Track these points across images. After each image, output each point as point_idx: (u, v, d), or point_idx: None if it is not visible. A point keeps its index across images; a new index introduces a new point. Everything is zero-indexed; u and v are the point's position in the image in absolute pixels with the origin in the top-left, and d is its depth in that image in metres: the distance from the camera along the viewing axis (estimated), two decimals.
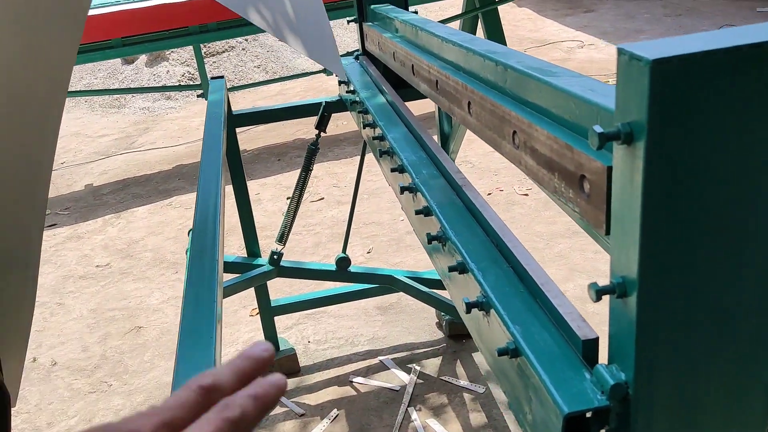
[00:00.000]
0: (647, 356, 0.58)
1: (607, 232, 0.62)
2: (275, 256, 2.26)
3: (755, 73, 0.49)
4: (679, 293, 0.56)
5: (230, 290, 2.23)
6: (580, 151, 0.66)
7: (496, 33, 4.82)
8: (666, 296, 0.56)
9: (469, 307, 0.81)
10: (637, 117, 0.51)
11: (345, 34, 7.66)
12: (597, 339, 0.69)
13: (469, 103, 0.98)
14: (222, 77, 2.06)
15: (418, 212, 1.06)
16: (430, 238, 0.98)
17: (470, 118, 1.00)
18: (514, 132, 0.82)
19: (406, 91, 1.64)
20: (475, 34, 3.29)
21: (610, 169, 0.59)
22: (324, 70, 4.94)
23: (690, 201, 0.52)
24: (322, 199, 3.95)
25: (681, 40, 0.51)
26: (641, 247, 0.54)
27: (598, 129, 0.53)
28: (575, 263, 2.94)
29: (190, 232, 2.31)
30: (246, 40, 6.90)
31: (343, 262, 2.32)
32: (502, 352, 0.73)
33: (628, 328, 0.58)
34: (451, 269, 0.89)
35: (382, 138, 1.40)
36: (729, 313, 0.56)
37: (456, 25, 3.88)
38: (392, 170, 1.24)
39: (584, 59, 6.07)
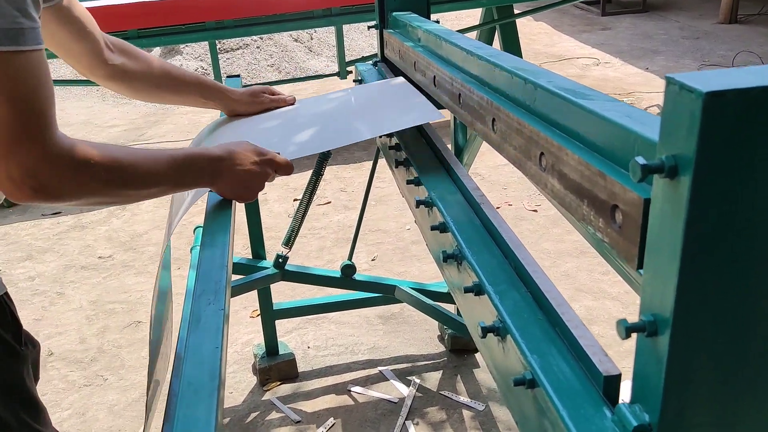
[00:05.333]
0: (675, 399, 0.55)
1: (639, 267, 0.60)
2: (280, 260, 2.23)
3: None
4: (715, 336, 0.53)
5: (233, 291, 2.21)
6: (613, 179, 0.63)
7: (512, 46, 4.81)
8: (700, 339, 0.53)
9: (485, 331, 0.78)
10: (684, 150, 0.48)
11: (360, 38, 7.66)
12: (619, 375, 0.66)
13: (493, 120, 0.96)
14: (238, 76, 2.03)
15: (433, 228, 1.03)
16: (446, 256, 0.96)
17: (493, 135, 0.97)
18: (542, 153, 0.79)
19: None
20: (491, 46, 3.26)
21: (647, 201, 0.57)
22: (337, 73, 4.91)
23: (735, 242, 0.49)
24: (329, 203, 3.92)
25: (734, 73, 0.49)
26: (678, 286, 0.51)
27: (641, 160, 0.50)
28: (582, 283, 2.91)
29: (196, 229, 2.29)
30: (261, 38, 6.89)
31: (349, 269, 2.30)
32: (518, 382, 0.70)
33: (657, 368, 0.55)
34: (467, 290, 0.86)
35: (398, 148, 1.38)
36: (766, 360, 0.54)
37: (472, 36, 3.85)
38: (408, 182, 1.21)
39: (599, 77, 6.04)
